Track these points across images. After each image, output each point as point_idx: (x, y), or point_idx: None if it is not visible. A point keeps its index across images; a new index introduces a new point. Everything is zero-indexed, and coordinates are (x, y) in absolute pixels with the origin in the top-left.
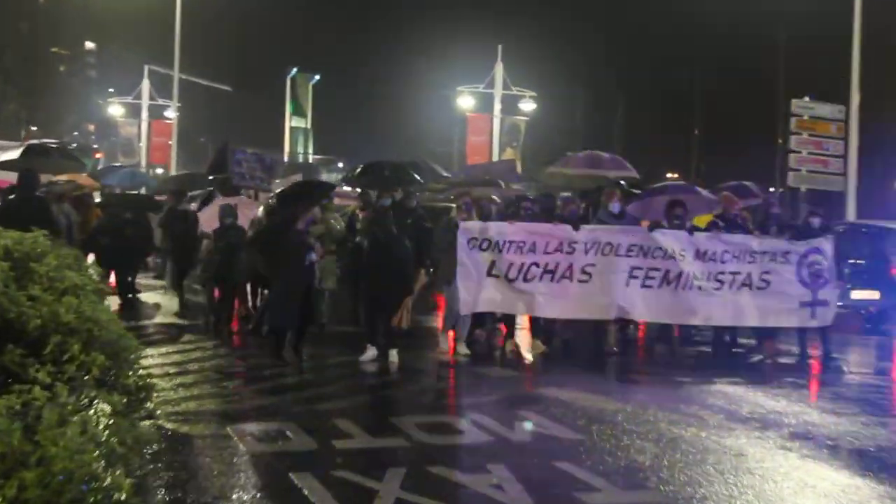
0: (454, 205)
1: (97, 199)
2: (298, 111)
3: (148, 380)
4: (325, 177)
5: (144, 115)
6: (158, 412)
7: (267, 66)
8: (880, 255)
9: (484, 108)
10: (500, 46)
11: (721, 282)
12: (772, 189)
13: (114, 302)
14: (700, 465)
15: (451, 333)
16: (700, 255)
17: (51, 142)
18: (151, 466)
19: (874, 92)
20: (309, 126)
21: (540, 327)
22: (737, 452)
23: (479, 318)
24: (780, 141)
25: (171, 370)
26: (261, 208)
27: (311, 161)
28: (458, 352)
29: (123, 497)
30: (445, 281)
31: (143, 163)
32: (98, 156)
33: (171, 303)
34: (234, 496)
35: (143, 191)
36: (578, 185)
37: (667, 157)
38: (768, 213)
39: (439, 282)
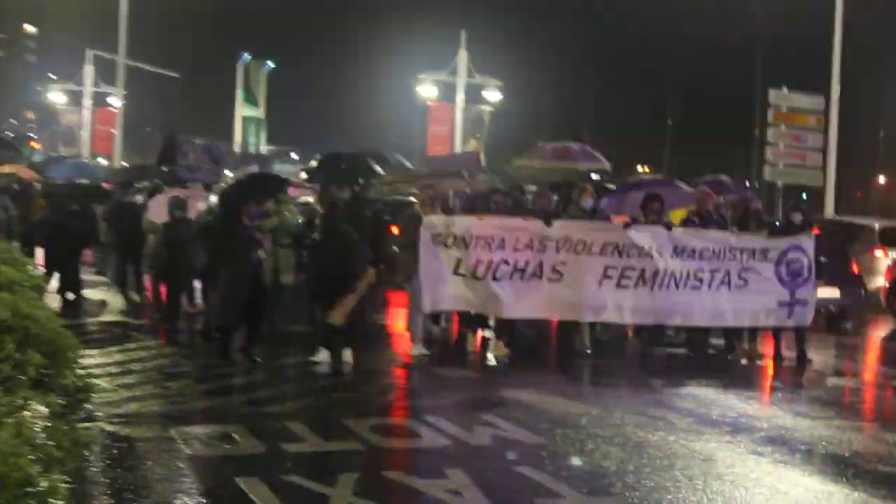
0: (415, 198)
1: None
2: (251, 100)
3: (87, 380)
4: (277, 168)
5: (87, 102)
6: (99, 414)
7: (218, 52)
8: (841, 253)
9: (446, 96)
10: (463, 32)
11: (700, 280)
12: (747, 184)
13: (56, 299)
14: (668, 471)
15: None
16: (678, 253)
17: None
18: (90, 471)
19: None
20: (262, 115)
21: (504, 328)
22: (706, 457)
23: (439, 317)
24: (757, 132)
25: (113, 370)
26: (201, 203)
27: (263, 152)
28: (415, 352)
29: (60, 502)
30: (408, 278)
31: (86, 153)
32: (35, 146)
33: (116, 300)
34: (178, 502)
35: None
36: (546, 178)
37: (638, 149)
38: (747, 209)
39: (401, 279)
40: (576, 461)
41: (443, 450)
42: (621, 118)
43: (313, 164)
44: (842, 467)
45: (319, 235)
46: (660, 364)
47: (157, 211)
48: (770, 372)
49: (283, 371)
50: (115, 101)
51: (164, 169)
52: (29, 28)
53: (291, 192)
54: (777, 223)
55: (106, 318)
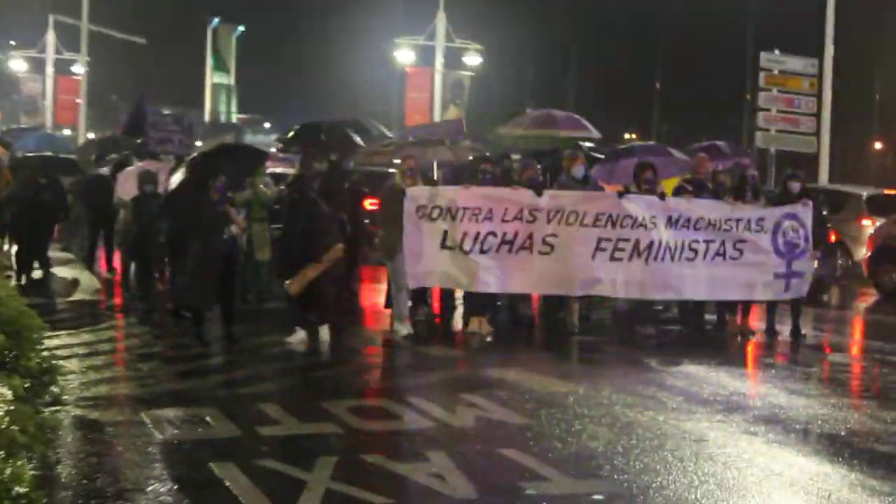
0: (395, 169)
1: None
2: (220, 66)
3: (53, 362)
4: (249, 139)
5: (50, 70)
6: (66, 397)
7: (186, 16)
8: (819, 221)
9: (425, 61)
10: None
11: (695, 251)
12: (748, 150)
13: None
14: (657, 452)
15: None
16: (672, 223)
17: None
18: (57, 456)
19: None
20: (232, 82)
21: (488, 304)
22: (697, 438)
23: (422, 294)
24: (748, 97)
25: (81, 351)
26: (174, 176)
27: (234, 121)
28: (398, 331)
29: (25, 490)
30: (389, 255)
31: (49, 123)
32: None
33: (86, 278)
34: (150, 488)
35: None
36: (530, 146)
37: (625, 115)
38: (743, 177)
39: (382, 255)
40: (562, 443)
41: (425, 432)
42: (607, 83)
43: (291, 134)
44: (838, 447)
45: (285, 208)
46: (649, 341)
47: (124, 186)
48: (763, 348)
49: (259, 351)
50: (79, 69)
51: (139, 141)
52: None
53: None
54: (774, 191)
55: (75, 297)
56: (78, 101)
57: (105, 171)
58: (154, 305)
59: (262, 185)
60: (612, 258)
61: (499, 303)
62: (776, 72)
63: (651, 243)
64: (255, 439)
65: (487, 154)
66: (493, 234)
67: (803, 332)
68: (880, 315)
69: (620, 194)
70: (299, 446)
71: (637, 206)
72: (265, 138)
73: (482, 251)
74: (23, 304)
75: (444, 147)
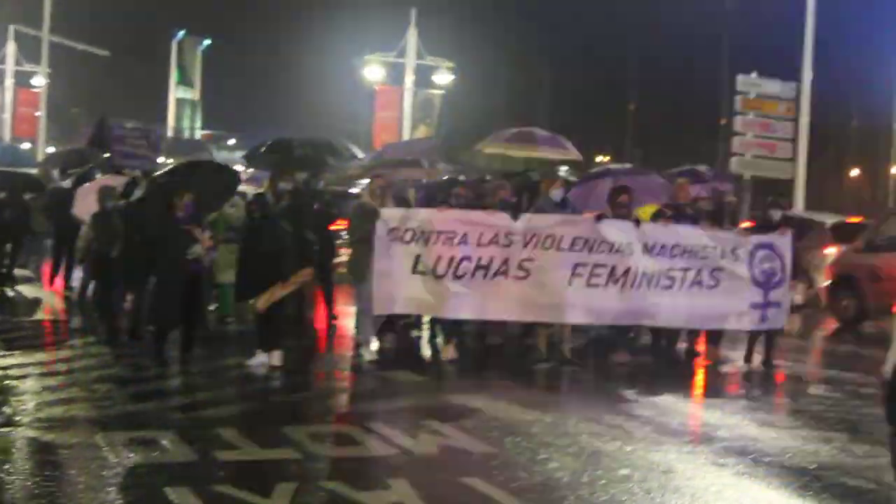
0: (361, 189)
1: None
2: (185, 80)
3: (6, 382)
4: (214, 155)
5: (9, 82)
6: (19, 418)
7: (150, 28)
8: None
9: (395, 79)
10: (413, 10)
11: (672, 279)
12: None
13: None
14: (624, 483)
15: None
16: (649, 250)
17: None
18: (8, 479)
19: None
20: (197, 97)
21: (455, 329)
22: (665, 469)
23: (389, 319)
24: (723, 122)
25: (36, 371)
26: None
27: (198, 137)
28: (363, 356)
29: None
30: (357, 276)
31: (7, 136)
32: None
33: (46, 296)
34: None
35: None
36: (507, 167)
37: (598, 137)
38: (720, 203)
39: (351, 278)
40: (526, 472)
41: (387, 459)
42: (580, 104)
43: (262, 150)
44: (808, 480)
45: (247, 228)
46: (618, 370)
47: (82, 202)
48: (733, 378)
49: (218, 374)
50: (39, 81)
51: (105, 155)
52: None
53: None
54: (755, 219)
55: (32, 316)
56: (37, 113)
57: (67, 184)
58: (112, 325)
59: (227, 205)
60: (589, 284)
61: (464, 328)
62: (753, 95)
63: (627, 270)
64: (212, 464)
65: (461, 177)
66: (468, 258)
67: (775, 362)
68: (844, 345)
69: (598, 218)
70: (258, 472)
71: (614, 230)
72: (230, 155)
73: (456, 276)
74: None
75: (418, 167)
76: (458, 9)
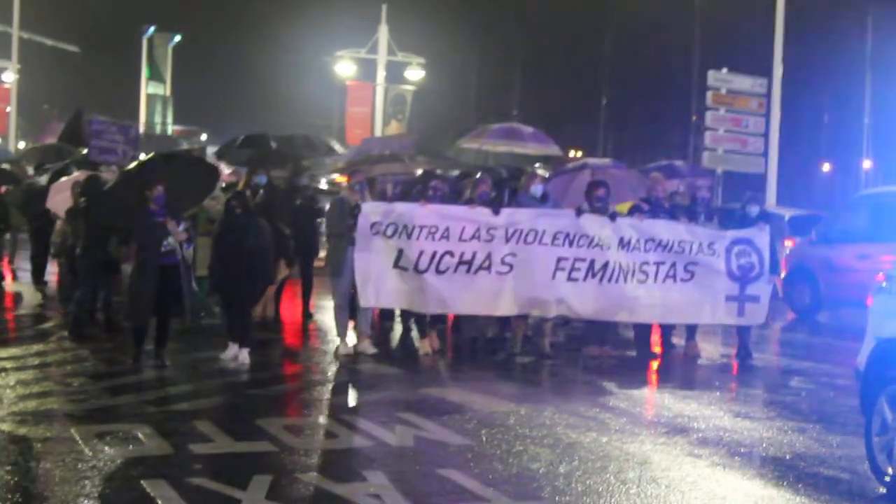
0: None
1: None
2: (156, 76)
3: None
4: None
5: None
6: None
7: (120, 24)
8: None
9: (366, 75)
10: (384, 6)
11: (646, 273)
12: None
13: None
14: (600, 474)
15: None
16: (624, 244)
17: None
18: None
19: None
20: (168, 93)
21: (435, 323)
22: (641, 460)
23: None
24: (695, 118)
25: (9, 365)
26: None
27: (170, 133)
28: (364, 351)
29: None
30: (335, 271)
31: None
32: None
33: (31, 293)
34: None
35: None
36: (492, 163)
37: (570, 132)
38: (695, 198)
39: (328, 271)
40: (502, 464)
41: (363, 451)
42: (552, 100)
43: (236, 145)
44: (783, 470)
45: (223, 223)
46: (593, 362)
47: (55, 197)
48: (709, 370)
49: (193, 367)
50: (9, 77)
51: (84, 151)
52: None
53: None
54: (733, 213)
55: (6, 310)
56: (7, 109)
57: (44, 179)
58: (81, 319)
59: (208, 198)
60: (570, 278)
61: (440, 322)
62: (724, 90)
63: (606, 264)
64: (188, 457)
65: (438, 171)
66: (451, 253)
67: (752, 355)
68: (800, 335)
69: (579, 212)
70: (233, 465)
71: (592, 225)
72: (205, 150)
73: (438, 271)
74: None
75: (398, 161)
76: (430, 5)
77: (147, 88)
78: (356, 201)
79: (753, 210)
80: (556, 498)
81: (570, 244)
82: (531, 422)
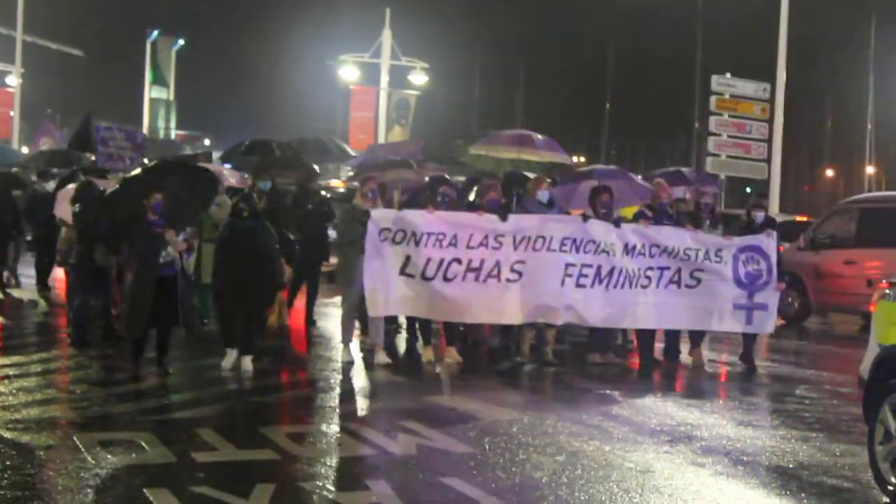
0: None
1: None
2: (159, 80)
3: None
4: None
5: None
6: None
7: (124, 28)
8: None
9: (370, 80)
10: (388, 10)
11: (649, 279)
12: (722, 177)
13: None
14: (603, 483)
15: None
16: (629, 250)
17: None
18: None
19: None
20: (171, 97)
21: (457, 334)
22: (644, 469)
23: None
24: (697, 125)
25: (11, 372)
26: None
27: (173, 137)
28: (378, 361)
29: None
30: (346, 280)
31: None
32: None
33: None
34: None
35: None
36: (494, 169)
37: (573, 138)
38: (700, 204)
39: (338, 280)
40: (505, 472)
41: (365, 459)
42: (555, 105)
43: (240, 151)
44: (786, 479)
45: (228, 227)
46: (597, 370)
47: (63, 205)
48: (711, 378)
49: (196, 375)
50: (12, 81)
51: (92, 157)
52: None
53: None
54: (737, 220)
55: (12, 318)
56: (11, 113)
57: (50, 185)
58: (85, 326)
59: (214, 204)
60: (578, 285)
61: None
62: (727, 96)
63: (612, 269)
64: (190, 465)
65: (446, 176)
66: (458, 260)
67: (756, 363)
68: (790, 341)
69: (585, 217)
70: (236, 473)
71: (598, 230)
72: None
73: (446, 279)
74: None
75: (408, 168)
76: (433, 10)
77: (150, 93)
78: (367, 208)
79: (759, 216)
80: None
81: (578, 250)
82: (534, 430)
